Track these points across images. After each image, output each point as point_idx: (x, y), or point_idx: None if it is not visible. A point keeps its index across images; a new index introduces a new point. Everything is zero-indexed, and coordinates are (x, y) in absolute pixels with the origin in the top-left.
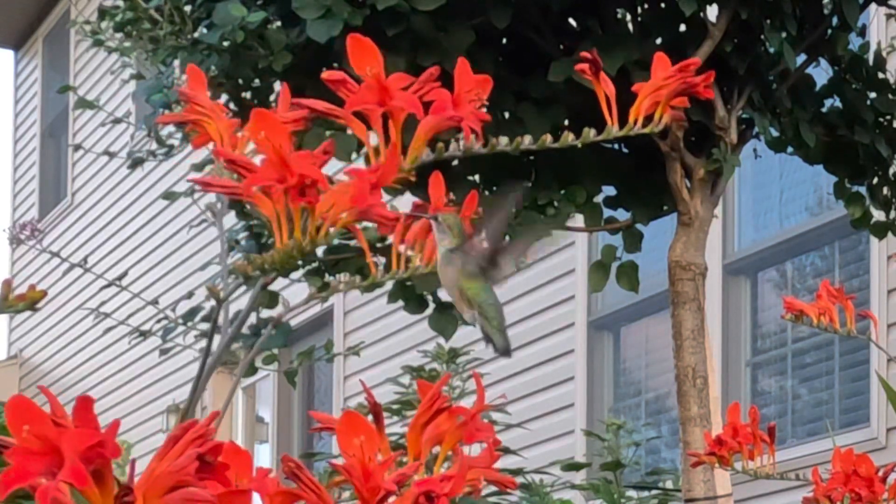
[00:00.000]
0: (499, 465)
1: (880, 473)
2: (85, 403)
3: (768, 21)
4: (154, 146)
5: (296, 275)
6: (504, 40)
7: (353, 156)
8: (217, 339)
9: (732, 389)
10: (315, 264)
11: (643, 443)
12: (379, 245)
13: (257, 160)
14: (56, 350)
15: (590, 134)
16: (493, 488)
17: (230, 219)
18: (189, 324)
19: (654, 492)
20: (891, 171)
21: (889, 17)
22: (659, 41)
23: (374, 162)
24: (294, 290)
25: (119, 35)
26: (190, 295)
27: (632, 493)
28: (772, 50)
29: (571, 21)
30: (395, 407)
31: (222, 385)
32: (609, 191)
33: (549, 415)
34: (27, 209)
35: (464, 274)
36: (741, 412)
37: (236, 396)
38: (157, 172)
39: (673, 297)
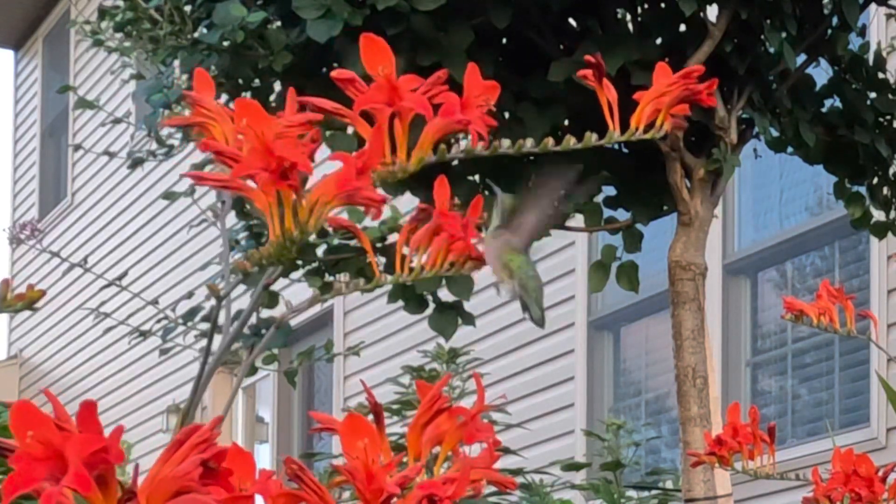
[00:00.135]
0: (499, 465)
1: (880, 473)
2: (89, 408)
3: (768, 21)
4: (154, 146)
5: (296, 275)
6: (504, 40)
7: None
8: (217, 338)
9: (732, 389)
10: (315, 264)
11: (643, 443)
12: (379, 245)
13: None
14: (56, 350)
15: (591, 138)
16: (493, 488)
17: (230, 219)
18: (189, 324)
19: (654, 492)
20: (891, 171)
21: (889, 17)
22: (659, 41)
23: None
24: (294, 290)
25: (119, 35)
26: (190, 295)
27: (632, 493)
28: (772, 50)
29: (571, 21)
30: (395, 407)
31: (222, 385)
32: (609, 191)
33: (549, 415)
34: (27, 209)
35: (509, 247)
36: (741, 412)
37: (236, 396)
38: (157, 172)
39: (673, 297)
